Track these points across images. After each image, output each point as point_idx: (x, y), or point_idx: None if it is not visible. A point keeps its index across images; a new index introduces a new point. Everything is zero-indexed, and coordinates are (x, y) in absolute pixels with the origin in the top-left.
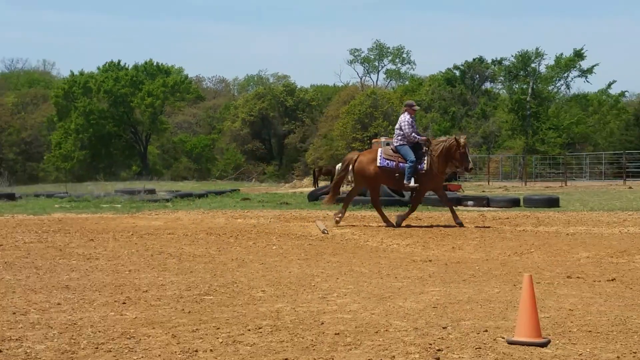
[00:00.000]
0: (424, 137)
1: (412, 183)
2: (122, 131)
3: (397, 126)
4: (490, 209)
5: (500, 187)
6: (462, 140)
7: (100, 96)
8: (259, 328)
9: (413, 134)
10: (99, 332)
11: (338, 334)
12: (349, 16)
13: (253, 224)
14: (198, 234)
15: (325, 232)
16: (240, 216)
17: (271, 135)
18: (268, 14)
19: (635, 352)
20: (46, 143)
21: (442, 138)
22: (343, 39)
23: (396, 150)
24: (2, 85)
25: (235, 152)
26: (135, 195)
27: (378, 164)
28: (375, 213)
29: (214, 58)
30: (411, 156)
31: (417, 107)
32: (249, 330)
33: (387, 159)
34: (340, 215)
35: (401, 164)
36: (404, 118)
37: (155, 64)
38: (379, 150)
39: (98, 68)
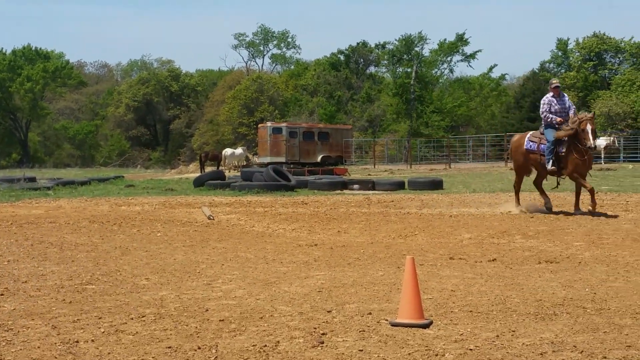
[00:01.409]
0: (559, 118)
1: (549, 166)
2: (0, 118)
3: None
4: (376, 192)
5: (385, 171)
6: (584, 121)
7: None
8: (143, 316)
9: (544, 113)
10: None
11: (223, 320)
12: (233, 0)
13: (137, 211)
14: (80, 222)
15: (211, 218)
16: (125, 203)
17: (156, 121)
18: None
19: (514, 331)
20: None
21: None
22: (228, 23)
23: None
24: None
25: (119, 139)
26: (14, 184)
27: (524, 146)
28: (261, 198)
29: (96, 43)
30: (550, 137)
31: (556, 84)
32: (132, 319)
33: (532, 141)
34: (546, 203)
35: (542, 146)
36: (543, 98)
37: (34, 48)
38: (530, 132)
39: None
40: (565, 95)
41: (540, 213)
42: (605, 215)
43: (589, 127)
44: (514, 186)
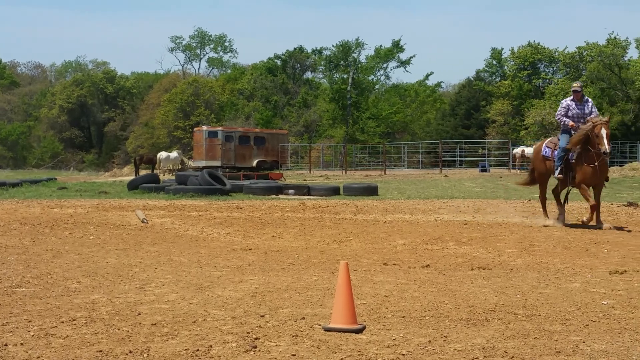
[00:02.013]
0: (571, 123)
1: (557, 173)
2: None
3: None
4: (311, 197)
5: (321, 176)
6: (598, 125)
7: None
8: (73, 320)
9: (558, 116)
10: None
11: (155, 324)
12: (170, 3)
13: (70, 214)
14: (11, 224)
15: (145, 221)
16: (57, 206)
17: (90, 123)
18: None
19: (446, 336)
20: None
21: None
22: (164, 26)
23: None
24: None
25: (52, 140)
26: None
27: (542, 153)
28: (196, 201)
29: (30, 43)
30: (562, 143)
31: (575, 87)
32: (63, 322)
33: (548, 147)
34: (560, 214)
35: (555, 152)
36: (562, 101)
37: None
38: (549, 138)
39: None
40: (590, 101)
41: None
42: (627, 230)
43: (603, 132)
44: (539, 198)
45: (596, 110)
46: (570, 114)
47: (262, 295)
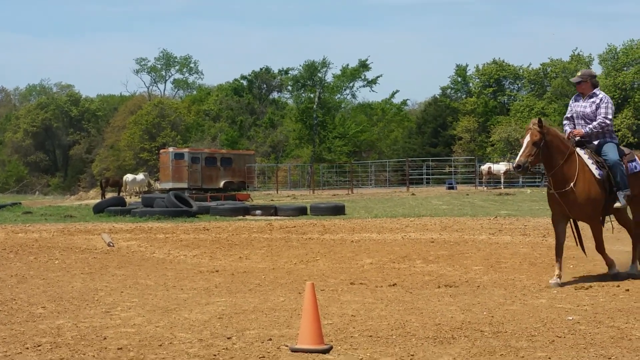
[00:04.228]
0: (569, 130)
1: None
2: None
3: None
4: (278, 217)
5: (288, 196)
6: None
7: None
8: (38, 346)
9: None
10: None
11: (121, 348)
12: (134, 25)
13: (35, 239)
14: None
15: (111, 244)
16: (22, 230)
17: (55, 146)
18: (51, 21)
19: (412, 355)
20: None
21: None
22: (129, 48)
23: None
24: None
25: (17, 164)
26: None
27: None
28: (162, 224)
29: None
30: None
31: (576, 79)
32: (27, 348)
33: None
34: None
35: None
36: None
37: None
38: None
39: None
40: (600, 95)
41: None
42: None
43: (525, 139)
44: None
45: (606, 110)
46: (569, 114)
47: (229, 317)
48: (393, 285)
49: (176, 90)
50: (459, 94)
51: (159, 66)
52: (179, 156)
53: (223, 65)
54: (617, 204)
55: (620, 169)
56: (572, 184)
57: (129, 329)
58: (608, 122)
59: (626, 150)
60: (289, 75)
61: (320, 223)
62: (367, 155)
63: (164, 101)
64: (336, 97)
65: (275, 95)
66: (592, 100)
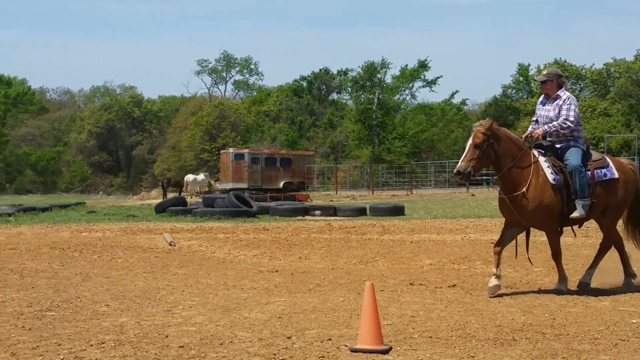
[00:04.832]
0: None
1: None
2: None
3: None
4: (337, 218)
5: (347, 197)
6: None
7: None
8: (102, 343)
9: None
10: None
11: (182, 346)
12: (196, 26)
13: (98, 238)
14: (41, 249)
15: (173, 244)
16: (86, 230)
17: (118, 147)
18: (113, 23)
19: (473, 356)
20: None
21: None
22: (190, 50)
23: None
24: None
25: (81, 165)
26: None
27: None
28: (223, 224)
29: (59, 69)
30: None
31: (540, 78)
32: (92, 345)
33: None
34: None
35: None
36: None
37: None
38: None
39: None
40: (564, 95)
41: None
42: None
43: (468, 142)
44: None
45: (568, 112)
46: (534, 117)
47: (288, 316)
48: (453, 286)
49: (236, 91)
50: (520, 94)
51: (220, 67)
52: (239, 157)
53: (283, 67)
54: (574, 214)
55: (581, 175)
56: (523, 189)
57: (190, 327)
58: (569, 124)
59: (597, 155)
60: (348, 76)
61: (379, 224)
62: (426, 155)
63: (225, 102)
64: (395, 98)
65: (334, 96)
66: (555, 102)
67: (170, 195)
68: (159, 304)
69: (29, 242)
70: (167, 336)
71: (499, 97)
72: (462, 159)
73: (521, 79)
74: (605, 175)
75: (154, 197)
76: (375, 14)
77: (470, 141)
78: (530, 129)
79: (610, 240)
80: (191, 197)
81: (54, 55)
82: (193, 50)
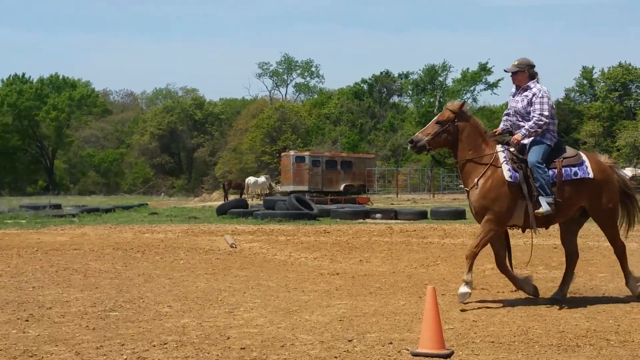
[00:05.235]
0: (501, 127)
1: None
2: (27, 145)
3: None
4: (398, 221)
5: (408, 200)
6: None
7: (4, 110)
8: (165, 344)
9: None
10: (0, 350)
11: (244, 348)
12: (257, 29)
13: (160, 239)
14: (104, 249)
15: (234, 246)
16: (148, 231)
17: (180, 149)
18: (175, 27)
19: None
20: None
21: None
22: (251, 53)
23: None
24: None
25: (143, 166)
26: (40, 211)
27: None
28: (283, 226)
29: (122, 71)
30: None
31: (508, 70)
32: (154, 346)
33: None
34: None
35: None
36: None
37: (61, 77)
38: None
39: (2, 81)
40: (535, 87)
41: None
42: None
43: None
44: None
45: (541, 106)
46: (507, 110)
47: (349, 319)
48: (515, 291)
49: (297, 94)
50: (584, 97)
51: (281, 70)
52: (300, 159)
53: (344, 69)
54: (539, 209)
55: (539, 172)
56: (474, 182)
57: (252, 329)
58: (545, 119)
59: (571, 152)
60: (409, 79)
61: (440, 227)
62: None
63: (285, 105)
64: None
65: (395, 99)
66: (525, 94)
67: (231, 197)
68: (220, 305)
69: (92, 242)
70: (228, 338)
71: (561, 100)
72: (420, 131)
73: (585, 82)
74: (576, 174)
75: (215, 199)
76: (436, 16)
77: (436, 117)
78: (501, 125)
79: (620, 247)
80: (252, 199)
81: (117, 57)
82: (254, 53)
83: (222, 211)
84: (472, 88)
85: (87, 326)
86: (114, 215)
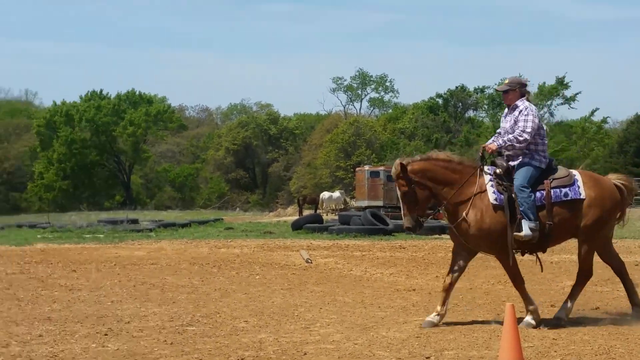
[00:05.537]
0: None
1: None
2: (104, 160)
3: None
4: None
5: None
6: None
7: (82, 125)
8: (242, 359)
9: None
10: None
11: None
12: (332, 44)
13: (236, 254)
14: (181, 264)
15: (309, 261)
16: (224, 246)
17: (255, 164)
18: (250, 43)
19: None
20: (29, 173)
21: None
22: (326, 67)
23: None
24: None
25: (219, 181)
26: (118, 225)
27: None
28: (359, 241)
29: (197, 87)
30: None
31: (500, 89)
32: None
33: None
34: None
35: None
36: None
37: (137, 93)
38: None
39: (80, 97)
40: (522, 105)
41: None
42: None
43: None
44: None
45: (525, 123)
46: (498, 130)
47: (426, 336)
48: (596, 308)
49: (372, 108)
50: None
51: (355, 85)
52: (374, 174)
53: (418, 84)
54: (519, 233)
55: (523, 196)
56: (464, 213)
57: (329, 345)
58: (526, 136)
59: (562, 172)
60: (485, 93)
61: None
62: None
63: (360, 119)
64: None
65: (471, 113)
66: (513, 113)
67: (306, 212)
68: (296, 320)
69: (169, 257)
70: (305, 353)
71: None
72: (403, 215)
73: None
74: (566, 195)
75: (290, 214)
76: (512, 31)
77: (399, 193)
78: (489, 142)
79: (586, 271)
80: (327, 215)
81: (193, 73)
82: (329, 68)
83: (297, 226)
84: (548, 102)
85: (165, 341)
86: (190, 230)
